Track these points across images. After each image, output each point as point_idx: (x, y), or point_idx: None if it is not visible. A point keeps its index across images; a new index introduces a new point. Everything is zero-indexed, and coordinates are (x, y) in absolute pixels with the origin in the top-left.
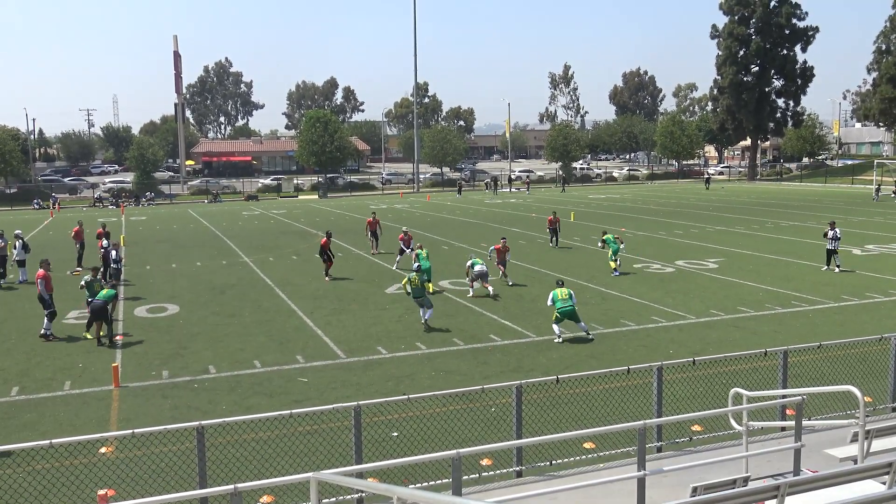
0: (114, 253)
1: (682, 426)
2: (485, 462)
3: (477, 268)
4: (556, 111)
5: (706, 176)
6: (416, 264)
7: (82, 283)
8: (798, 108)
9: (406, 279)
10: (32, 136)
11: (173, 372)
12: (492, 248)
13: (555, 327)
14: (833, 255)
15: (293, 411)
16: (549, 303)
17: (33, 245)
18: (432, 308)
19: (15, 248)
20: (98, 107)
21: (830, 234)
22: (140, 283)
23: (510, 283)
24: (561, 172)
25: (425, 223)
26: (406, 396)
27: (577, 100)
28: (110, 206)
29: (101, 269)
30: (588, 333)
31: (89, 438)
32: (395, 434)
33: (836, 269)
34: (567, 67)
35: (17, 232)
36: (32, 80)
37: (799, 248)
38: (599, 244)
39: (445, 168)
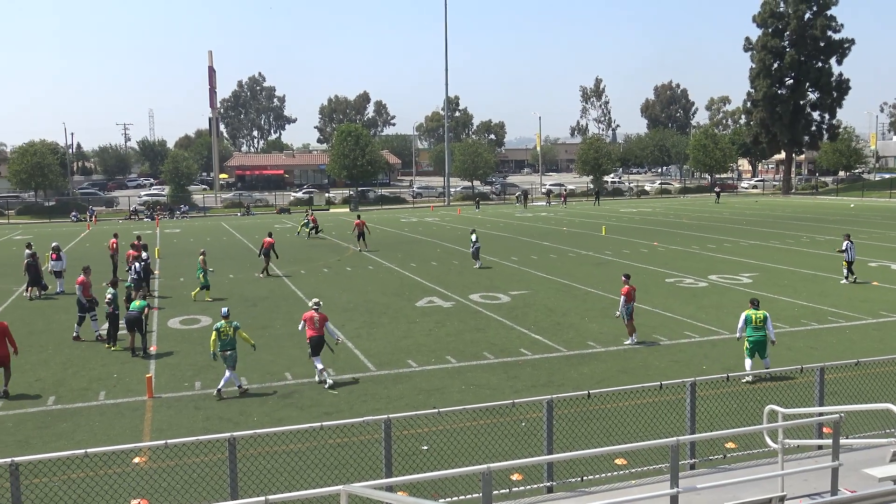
0: (137, 265)
1: (715, 443)
2: (515, 477)
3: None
4: (587, 124)
5: (717, 190)
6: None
7: (107, 297)
8: (834, 121)
9: (214, 333)
10: (71, 150)
11: (206, 383)
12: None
13: (747, 363)
14: (849, 265)
15: (324, 424)
16: (741, 328)
17: (70, 257)
18: (234, 371)
19: (55, 258)
20: (134, 121)
21: (845, 244)
22: (174, 295)
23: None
24: (593, 186)
25: (455, 236)
26: (436, 410)
27: (609, 113)
28: (145, 219)
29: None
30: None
31: (123, 448)
32: (426, 448)
33: (852, 280)
34: (598, 81)
35: (54, 244)
36: (71, 95)
37: (835, 264)
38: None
39: (476, 181)
